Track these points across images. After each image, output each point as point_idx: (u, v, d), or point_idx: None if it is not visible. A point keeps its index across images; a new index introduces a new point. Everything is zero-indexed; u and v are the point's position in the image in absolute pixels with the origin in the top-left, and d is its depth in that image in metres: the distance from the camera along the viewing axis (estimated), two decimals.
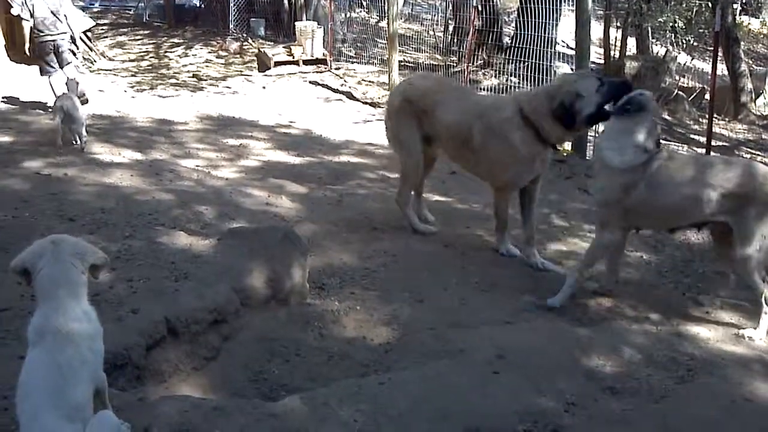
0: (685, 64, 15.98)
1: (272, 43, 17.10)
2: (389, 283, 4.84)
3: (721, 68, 13.65)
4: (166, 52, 16.98)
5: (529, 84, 11.47)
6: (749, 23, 21.03)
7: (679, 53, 16.27)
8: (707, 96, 13.14)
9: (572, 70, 10.24)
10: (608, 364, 3.80)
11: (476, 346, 3.87)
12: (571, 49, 10.80)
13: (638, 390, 3.59)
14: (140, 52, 16.88)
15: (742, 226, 4.31)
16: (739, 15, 18.76)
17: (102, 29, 18.57)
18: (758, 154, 12.07)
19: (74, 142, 8.03)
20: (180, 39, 18.22)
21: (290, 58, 15.14)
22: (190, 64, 15.74)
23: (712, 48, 9.71)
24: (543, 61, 11.52)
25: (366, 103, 12.77)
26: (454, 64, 14.59)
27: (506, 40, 14.93)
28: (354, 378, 3.59)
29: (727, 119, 14.67)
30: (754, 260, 4.31)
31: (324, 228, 5.65)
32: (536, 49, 11.22)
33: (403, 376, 3.51)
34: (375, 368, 3.84)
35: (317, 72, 14.77)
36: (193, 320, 3.77)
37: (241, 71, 15.15)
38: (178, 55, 16.62)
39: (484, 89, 12.28)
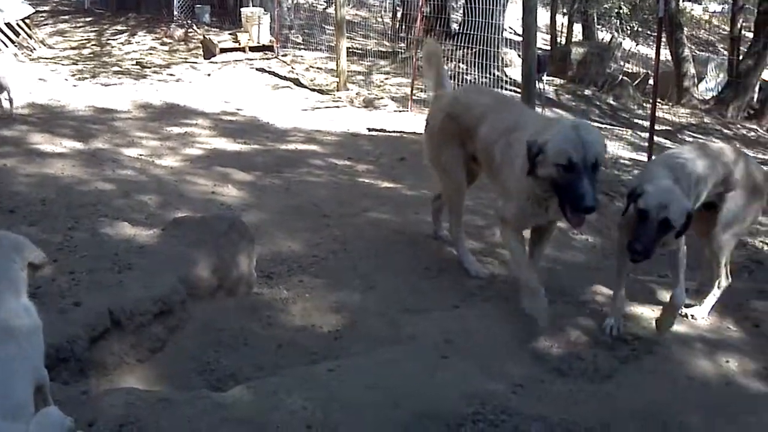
0: (629, 50, 16.28)
1: (218, 29, 16.86)
2: (338, 270, 4.82)
3: (665, 54, 13.92)
4: (108, 39, 16.63)
5: (477, 71, 11.57)
6: (692, 9, 21.53)
7: (624, 39, 16.57)
8: (651, 81, 13.42)
9: (519, 56, 10.31)
10: (555, 345, 3.86)
11: (426, 331, 3.89)
12: (518, 35, 10.90)
13: (585, 370, 3.66)
14: (82, 40, 16.49)
15: (724, 207, 4.33)
16: (683, 1, 19.17)
17: (42, 16, 18.10)
18: (701, 138, 12.38)
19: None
20: (123, 26, 17.87)
21: (236, 45, 14.99)
22: (134, 51, 15.44)
23: (656, 34, 9.88)
24: (491, 47, 11.64)
25: (314, 90, 12.70)
26: (402, 51, 14.59)
27: (454, 26, 15.01)
28: (303, 366, 3.57)
29: (670, 104, 15.03)
30: (728, 242, 4.35)
31: (271, 216, 5.60)
32: (484, 36, 11.33)
33: (353, 363, 3.50)
34: (324, 356, 3.82)
35: (264, 59, 14.63)
36: (138, 311, 3.68)
37: (185, 59, 14.90)
38: (121, 43, 16.28)
39: None
